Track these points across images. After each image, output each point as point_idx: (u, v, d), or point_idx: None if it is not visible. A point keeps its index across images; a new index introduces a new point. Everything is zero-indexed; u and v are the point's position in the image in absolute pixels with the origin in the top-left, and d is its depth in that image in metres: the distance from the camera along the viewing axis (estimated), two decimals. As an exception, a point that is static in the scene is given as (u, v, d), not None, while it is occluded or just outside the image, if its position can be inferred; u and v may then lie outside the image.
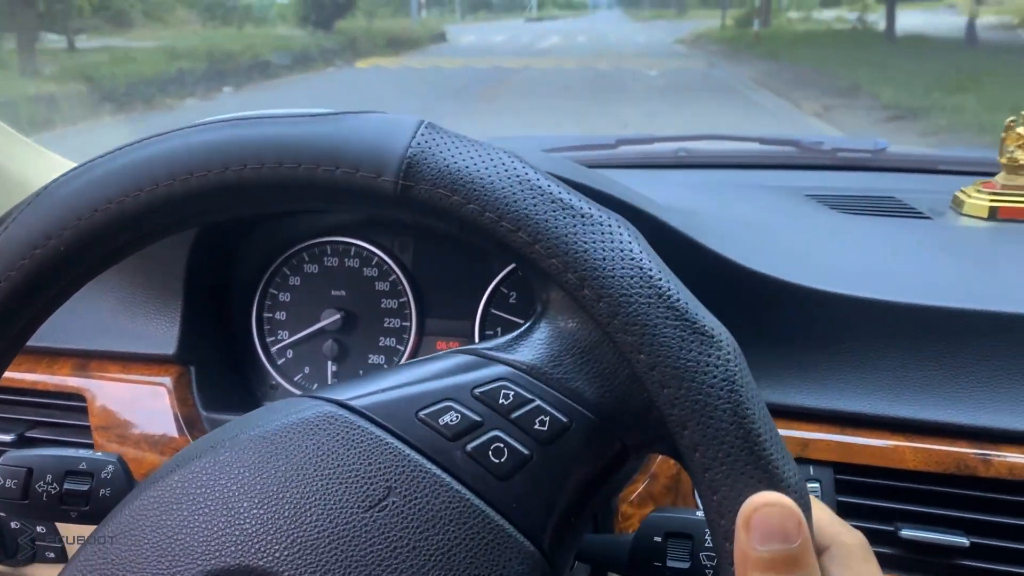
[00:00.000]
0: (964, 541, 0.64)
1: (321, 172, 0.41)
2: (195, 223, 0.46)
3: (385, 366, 0.84)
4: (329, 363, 0.84)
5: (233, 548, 0.41)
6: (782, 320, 0.71)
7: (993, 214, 0.84)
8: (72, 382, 0.80)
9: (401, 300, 0.84)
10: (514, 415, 0.42)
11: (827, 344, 0.70)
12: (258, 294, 0.85)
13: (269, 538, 0.40)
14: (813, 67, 12.37)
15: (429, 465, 0.41)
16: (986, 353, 0.67)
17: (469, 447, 0.41)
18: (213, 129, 0.43)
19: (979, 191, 0.86)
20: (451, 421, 0.42)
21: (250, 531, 0.41)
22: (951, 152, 1.22)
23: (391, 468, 0.41)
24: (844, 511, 0.66)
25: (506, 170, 0.41)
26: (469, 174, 0.41)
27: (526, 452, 0.42)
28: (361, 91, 11.38)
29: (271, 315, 0.85)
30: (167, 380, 0.78)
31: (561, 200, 0.41)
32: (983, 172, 1.01)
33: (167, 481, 0.43)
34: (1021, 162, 0.85)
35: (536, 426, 0.42)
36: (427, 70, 14.39)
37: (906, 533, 0.64)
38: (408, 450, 0.41)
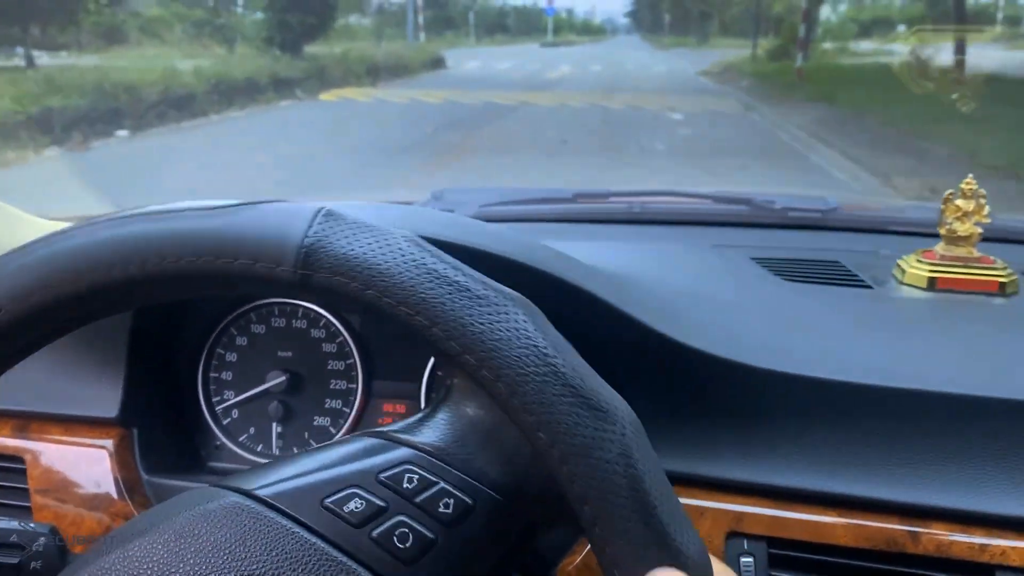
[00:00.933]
0: None
1: (220, 264, 0.42)
2: (107, 313, 0.46)
3: (331, 429, 0.84)
4: (274, 424, 0.84)
5: None
6: (718, 395, 0.72)
7: (932, 284, 0.86)
8: (11, 443, 0.79)
9: (348, 362, 0.84)
10: (418, 499, 0.43)
11: (763, 419, 0.71)
12: (204, 354, 0.84)
13: None
14: (883, 120, 9.03)
15: (335, 552, 0.41)
16: (917, 431, 0.69)
17: (374, 533, 0.42)
18: (117, 225, 0.44)
19: (919, 261, 0.88)
20: (356, 508, 0.42)
21: None
22: (900, 212, 1.24)
23: (297, 557, 0.41)
24: None
25: (403, 255, 0.42)
26: (366, 260, 0.42)
27: (431, 536, 0.42)
28: (294, 136, 8.93)
29: (217, 375, 0.85)
30: (108, 443, 0.77)
31: (457, 283, 0.42)
32: (930, 234, 1.03)
33: None
34: (959, 233, 0.87)
35: (440, 509, 0.43)
36: (406, 104, 12.12)
37: None
38: (314, 538, 0.41)
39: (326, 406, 0.84)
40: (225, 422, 0.85)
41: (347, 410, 0.84)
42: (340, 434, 0.83)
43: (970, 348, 0.77)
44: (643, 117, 10.31)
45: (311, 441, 0.84)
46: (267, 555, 0.41)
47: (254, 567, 0.41)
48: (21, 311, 0.43)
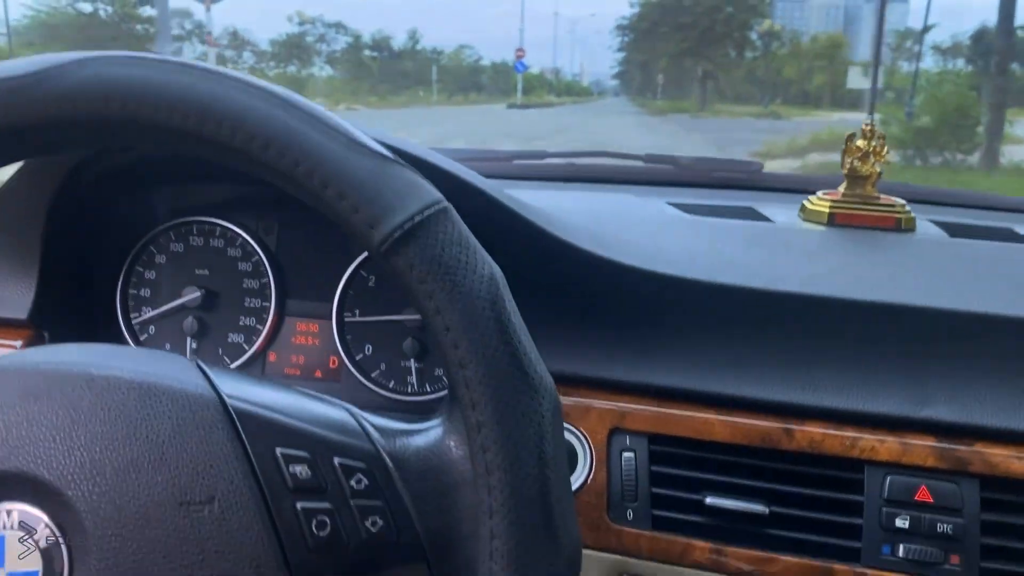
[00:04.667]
0: (764, 509, 0.67)
1: (327, 193, 0.43)
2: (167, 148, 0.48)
3: (244, 346, 0.86)
4: (189, 339, 0.86)
5: (30, 455, 0.42)
6: (605, 298, 0.74)
7: (831, 219, 0.89)
8: None
9: (262, 281, 0.86)
10: (355, 501, 0.43)
11: (647, 322, 0.73)
12: (124, 269, 0.86)
13: (76, 466, 0.42)
14: None
15: (259, 502, 0.42)
16: (792, 333, 0.71)
17: (300, 505, 0.42)
18: (263, 97, 0.45)
19: (821, 199, 0.91)
20: (300, 474, 0.43)
21: (68, 454, 0.42)
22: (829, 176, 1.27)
23: (228, 483, 0.42)
24: (656, 480, 0.69)
25: (480, 285, 0.44)
26: (447, 272, 0.43)
27: (345, 540, 0.43)
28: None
29: (136, 291, 0.87)
30: (17, 344, 0.79)
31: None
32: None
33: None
34: (860, 173, 0.90)
35: (367, 523, 0.43)
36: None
37: (711, 501, 0.67)
38: (251, 477, 0.42)
39: (240, 323, 0.86)
40: (142, 338, 0.87)
41: (260, 327, 0.86)
42: (253, 350, 0.85)
43: (853, 266, 0.80)
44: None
45: (224, 358, 0.86)
46: (203, 461, 0.42)
47: (186, 463, 0.42)
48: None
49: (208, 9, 25.79)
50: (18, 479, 0.42)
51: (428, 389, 0.82)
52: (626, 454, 0.70)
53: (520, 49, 40.26)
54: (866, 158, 0.90)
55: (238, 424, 0.43)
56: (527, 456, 0.42)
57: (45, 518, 0.42)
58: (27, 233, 0.78)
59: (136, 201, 0.86)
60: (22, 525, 0.42)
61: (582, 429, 0.71)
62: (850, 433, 0.68)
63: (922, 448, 0.67)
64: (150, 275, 0.87)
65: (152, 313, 0.86)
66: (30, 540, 0.42)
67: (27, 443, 0.42)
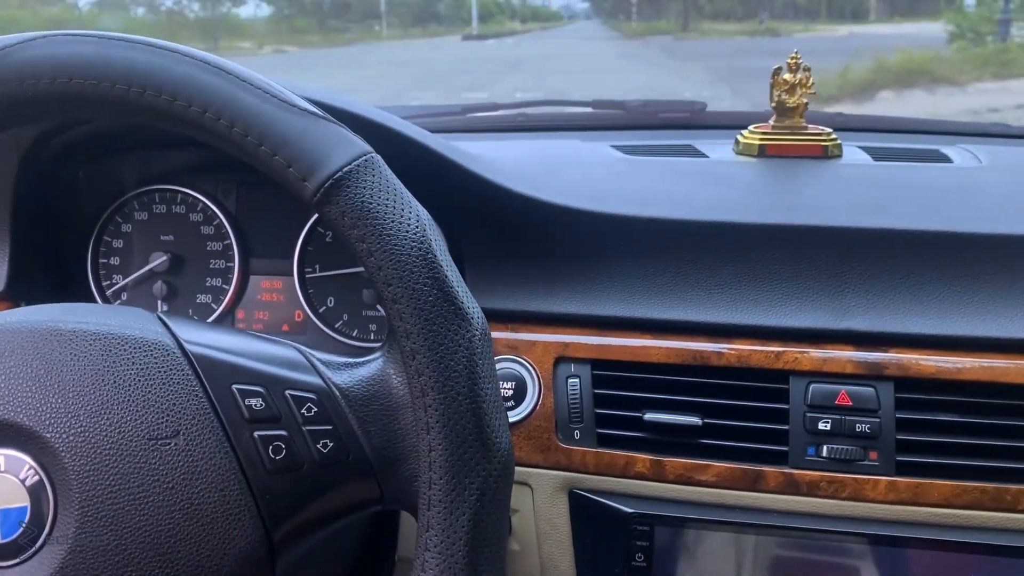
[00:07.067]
0: (698, 421, 0.73)
1: (261, 150, 0.48)
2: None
3: (213, 305, 0.90)
4: (160, 303, 0.91)
5: (10, 404, 0.47)
6: (545, 238, 0.79)
7: (762, 151, 0.94)
8: None
9: (225, 243, 0.90)
10: (307, 428, 0.49)
11: (584, 257, 0.79)
12: (92, 240, 0.91)
13: (52, 410, 0.47)
14: None
15: (220, 433, 0.48)
16: (719, 259, 0.77)
17: (256, 433, 0.48)
18: (197, 66, 0.49)
19: (752, 132, 0.96)
20: (255, 406, 0.49)
21: (44, 401, 0.47)
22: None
23: (190, 418, 0.47)
24: (599, 402, 0.75)
25: (409, 230, 0.48)
26: (376, 218, 0.48)
27: (299, 462, 0.49)
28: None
29: (105, 260, 0.91)
30: None
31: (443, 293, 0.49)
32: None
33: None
34: (788, 104, 0.95)
35: (319, 446, 0.49)
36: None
37: (649, 417, 0.73)
38: (211, 412, 0.48)
39: (207, 284, 0.91)
40: (115, 304, 0.91)
41: (227, 287, 0.90)
42: (221, 309, 0.90)
43: (779, 192, 0.85)
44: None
45: (195, 317, 0.90)
46: (168, 400, 0.48)
47: (152, 403, 0.47)
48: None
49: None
50: (0, 427, 0.47)
51: None
52: (571, 380, 0.76)
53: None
54: (792, 90, 0.94)
55: (196, 365, 0.49)
56: (457, 377, 0.47)
57: (28, 459, 0.47)
58: None
59: (99, 171, 0.90)
60: (7, 467, 0.47)
61: (530, 360, 0.77)
62: (775, 348, 0.74)
63: (841, 357, 0.73)
64: (118, 244, 0.91)
65: (123, 281, 0.91)
66: (16, 479, 0.47)
67: (5, 394, 0.48)
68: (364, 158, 0.49)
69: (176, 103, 0.49)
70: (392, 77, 13.62)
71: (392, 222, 0.48)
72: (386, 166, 0.50)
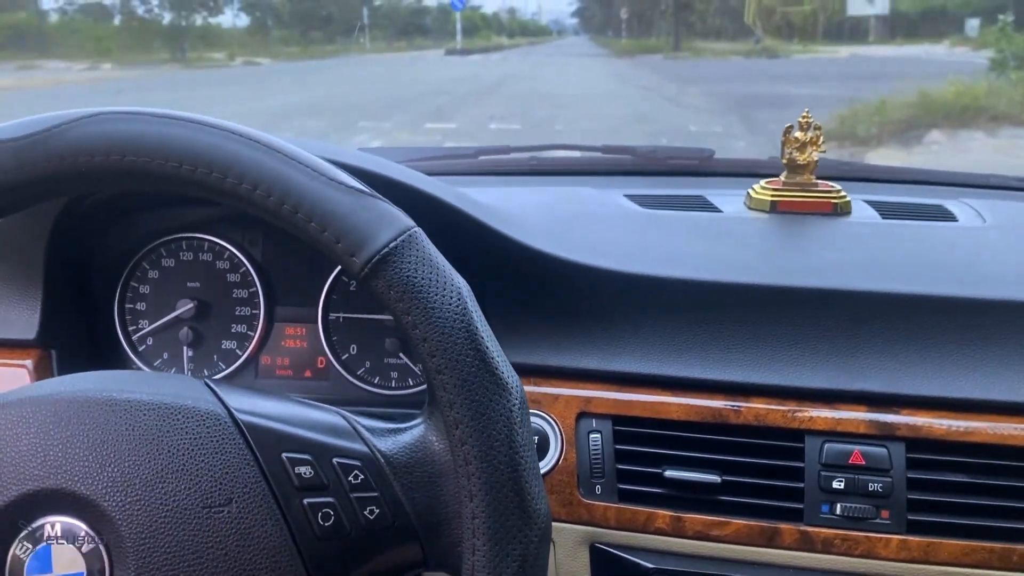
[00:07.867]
0: (716, 479, 0.75)
1: (310, 226, 0.51)
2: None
3: (238, 351, 0.92)
4: (185, 349, 0.93)
5: (67, 473, 0.49)
6: (568, 294, 0.82)
7: (773, 207, 0.97)
8: None
9: (251, 290, 0.92)
10: (354, 495, 0.51)
11: (605, 314, 0.81)
12: (120, 286, 0.92)
13: (108, 479, 0.49)
14: None
15: (271, 500, 0.50)
16: (736, 319, 0.79)
17: (307, 501, 0.51)
18: (248, 145, 0.52)
19: (764, 188, 0.99)
20: (304, 474, 0.51)
21: (100, 470, 0.49)
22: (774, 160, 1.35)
23: (243, 486, 0.50)
24: (620, 458, 0.77)
25: (451, 302, 0.51)
26: (419, 293, 0.50)
27: (348, 528, 0.51)
28: None
29: (132, 305, 0.93)
30: (28, 363, 0.85)
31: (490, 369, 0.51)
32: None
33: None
34: (798, 162, 0.98)
35: (366, 512, 0.52)
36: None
37: (669, 473, 0.76)
38: (262, 479, 0.50)
39: (232, 331, 0.93)
40: (141, 349, 0.93)
41: (251, 333, 0.92)
42: (246, 355, 0.91)
43: (791, 252, 0.88)
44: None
45: (220, 364, 0.92)
46: (220, 469, 0.50)
47: (205, 472, 0.49)
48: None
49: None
50: (58, 495, 0.50)
51: (409, 383, 0.89)
52: (593, 435, 0.78)
53: (460, -18, 34.38)
54: (803, 148, 0.97)
55: (247, 435, 0.51)
56: (499, 446, 0.49)
57: (85, 527, 0.49)
58: (30, 260, 0.84)
59: (128, 223, 0.91)
60: (64, 534, 0.49)
61: (552, 415, 0.79)
62: (791, 407, 0.76)
63: (855, 417, 0.75)
64: (145, 290, 0.93)
65: (150, 327, 0.93)
66: (73, 546, 0.49)
67: (64, 463, 0.50)
68: (408, 233, 0.51)
69: (227, 180, 0.51)
70: (348, 99, 12.06)
71: (435, 295, 0.50)
72: (427, 239, 0.52)
